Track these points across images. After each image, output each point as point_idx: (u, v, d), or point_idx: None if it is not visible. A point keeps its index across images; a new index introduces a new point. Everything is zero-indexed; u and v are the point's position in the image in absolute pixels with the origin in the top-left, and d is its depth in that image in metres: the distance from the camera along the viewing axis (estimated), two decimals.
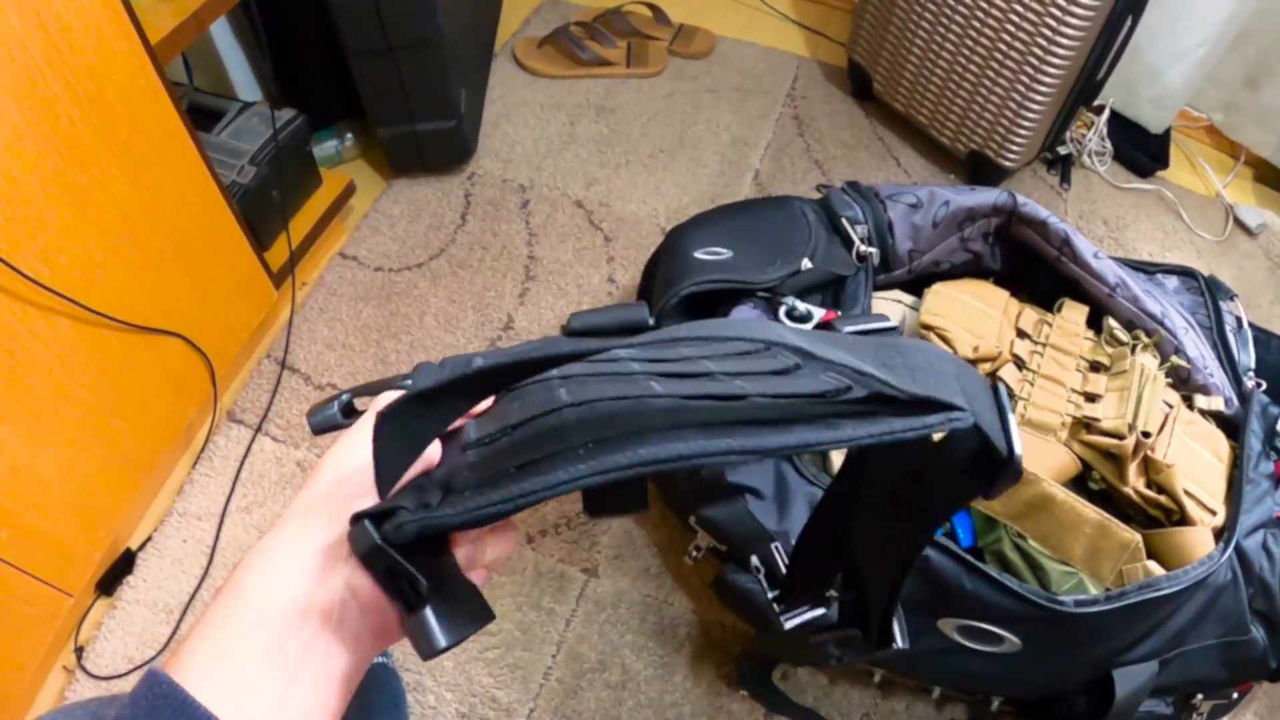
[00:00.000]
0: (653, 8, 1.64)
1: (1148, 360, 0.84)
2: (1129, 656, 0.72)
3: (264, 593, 0.27)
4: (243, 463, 1.04)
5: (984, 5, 1.22)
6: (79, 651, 0.90)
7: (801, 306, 0.82)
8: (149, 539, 0.97)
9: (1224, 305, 0.93)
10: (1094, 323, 0.90)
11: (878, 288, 0.93)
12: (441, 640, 0.26)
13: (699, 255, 0.86)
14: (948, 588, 0.68)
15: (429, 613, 0.26)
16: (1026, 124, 1.27)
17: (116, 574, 0.94)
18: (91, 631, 0.92)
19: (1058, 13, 1.15)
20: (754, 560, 0.68)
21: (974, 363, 0.83)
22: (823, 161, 1.45)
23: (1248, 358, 0.90)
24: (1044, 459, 0.80)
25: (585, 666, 0.92)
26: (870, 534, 0.40)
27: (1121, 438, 0.78)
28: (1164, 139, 1.48)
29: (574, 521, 1.02)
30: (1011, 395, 0.83)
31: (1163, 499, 0.77)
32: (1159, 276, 0.96)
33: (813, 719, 0.87)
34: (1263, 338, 0.94)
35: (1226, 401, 0.85)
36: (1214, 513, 0.76)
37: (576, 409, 0.25)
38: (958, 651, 0.72)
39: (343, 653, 0.29)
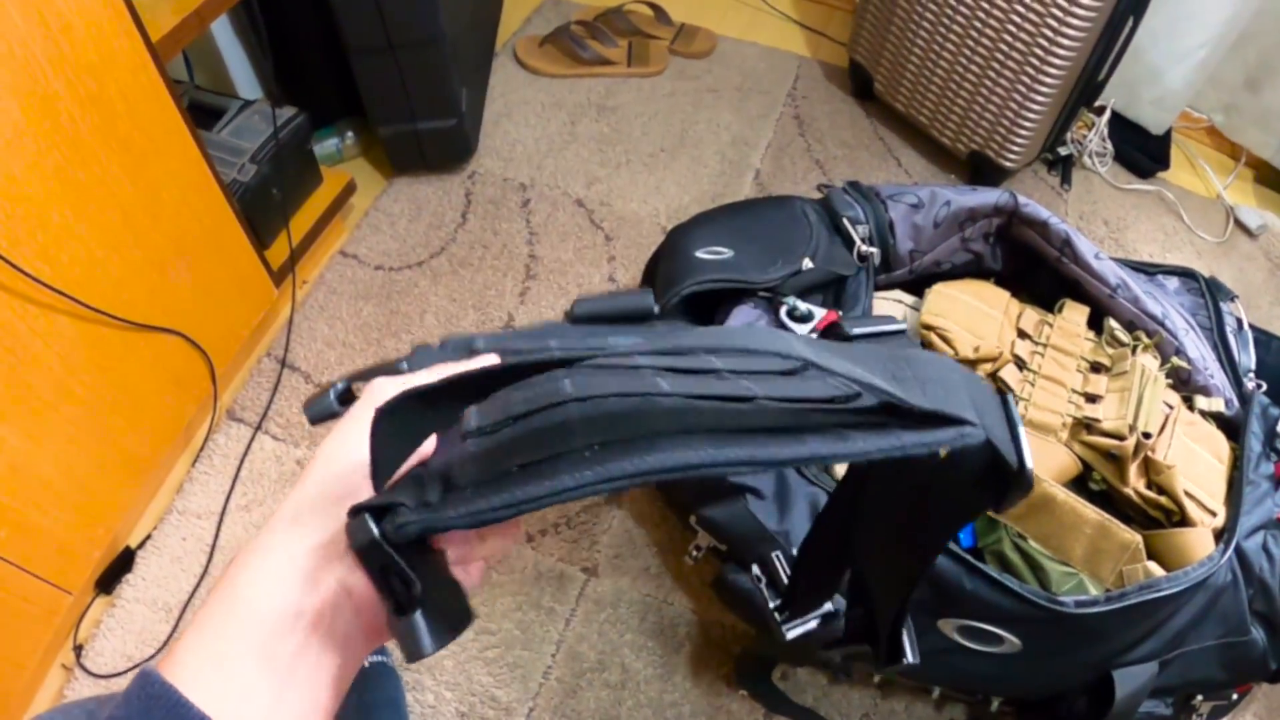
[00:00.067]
0: (654, 7, 1.64)
1: (1148, 361, 0.84)
2: (1129, 657, 0.72)
3: (257, 594, 0.27)
4: (242, 461, 1.03)
5: (985, 6, 1.22)
6: (78, 650, 0.90)
7: (802, 306, 0.82)
8: (148, 537, 0.97)
9: (1224, 306, 0.93)
10: (1095, 323, 0.90)
11: (879, 288, 0.93)
12: (430, 646, 0.26)
13: (700, 255, 0.86)
14: (948, 588, 0.68)
15: (419, 616, 0.26)
16: (1027, 124, 1.27)
17: (116, 572, 0.94)
18: (91, 630, 0.91)
19: (1059, 13, 1.15)
20: (755, 569, 0.68)
21: (974, 363, 0.83)
22: (823, 161, 1.45)
23: (1248, 359, 0.90)
24: (1044, 459, 0.80)
25: (585, 666, 0.92)
26: (876, 545, 0.39)
27: (1122, 438, 0.78)
28: (1165, 140, 1.48)
29: (574, 520, 1.02)
30: (1012, 395, 0.83)
31: (1163, 500, 0.77)
32: (1159, 277, 0.96)
33: (812, 719, 0.87)
34: (1263, 339, 0.94)
35: (1227, 403, 0.85)
36: (1214, 514, 0.77)
37: (582, 405, 0.25)
38: (958, 652, 0.72)
39: (335, 653, 0.29)
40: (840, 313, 0.85)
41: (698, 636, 0.94)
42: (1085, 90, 1.27)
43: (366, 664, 0.86)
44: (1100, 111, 1.45)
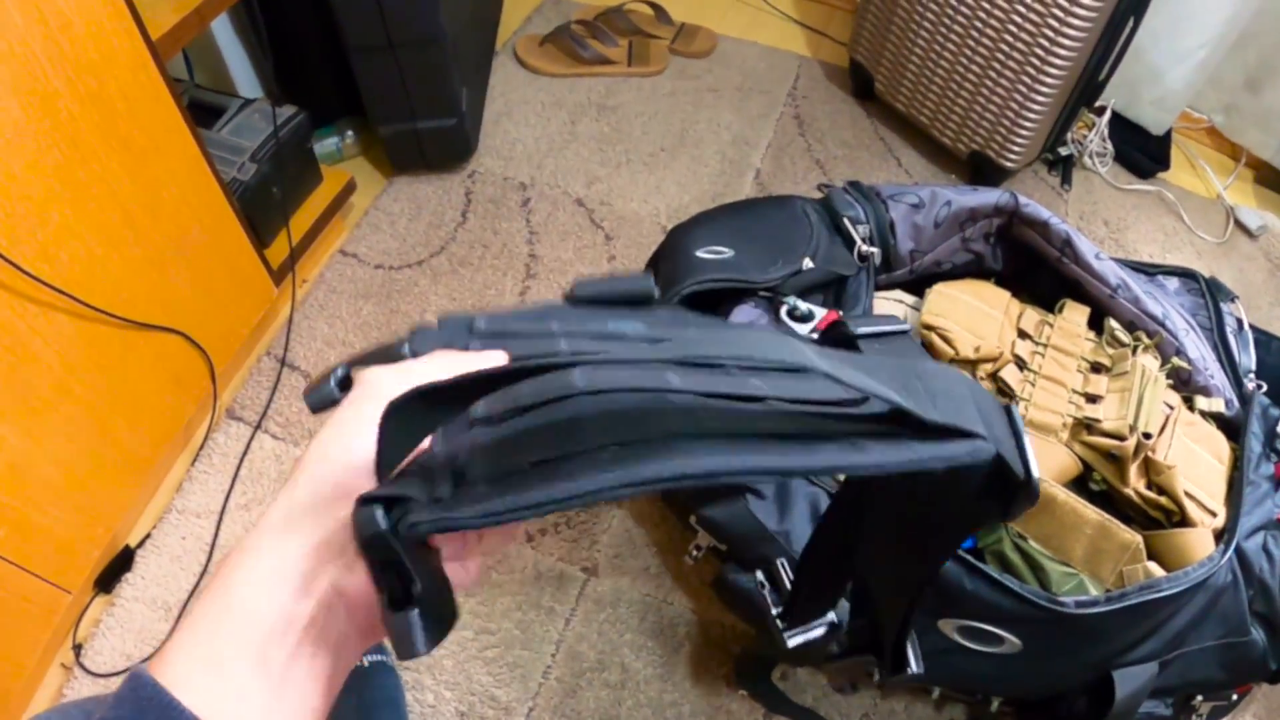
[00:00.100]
0: (654, 6, 1.64)
1: (1149, 361, 0.84)
2: (1129, 657, 0.72)
3: (251, 597, 0.27)
4: (242, 460, 1.03)
5: (986, 6, 1.22)
6: (77, 649, 0.90)
7: (803, 306, 0.82)
8: (148, 536, 0.97)
9: (1225, 307, 0.93)
10: (1095, 324, 0.90)
11: (879, 287, 0.93)
12: (424, 645, 0.26)
13: (700, 254, 0.85)
14: (948, 588, 0.68)
15: (415, 615, 0.26)
16: (1028, 125, 1.27)
17: (115, 571, 0.94)
18: (90, 629, 0.91)
19: (1060, 14, 1.15)
20: (759, 575, 0.68)
21: (975, 363, 0.83)
22: (824, 161, 1.44)
23: (1248, 359, 0.90)
24: (1045, 460, 0.80)
25: (584, 665, 0.92)
26: (879, 554, 0.39)
27: (1122, 439, 0.78)
28: (1165, 140, 1.48)
29: (574, 520, 1.01)
30: (1012, 396, 0.83)
31: (1163, 500, 0.77)
32: (1160, 278, 0.96)
33: (812, 719, 0.87)
34: (1263, 339, 0.94)
35: (1227, 403, 0.85)
36: (1214, 514, 0.77)
37: (594, 399, 0.24)
38: (958, 652, 0.72)
39: (328, 655, 0.28)
40: (841, 313, 0.85)
41: (697, 636, 0.94)
42: (1086, 90, 1.27)
43: (365, 663, 0.86)
44: (1100, 112, 1.45)
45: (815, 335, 0.64)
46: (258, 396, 1.09)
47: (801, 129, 1.49)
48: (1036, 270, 0.94)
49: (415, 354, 0.32)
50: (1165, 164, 1.48)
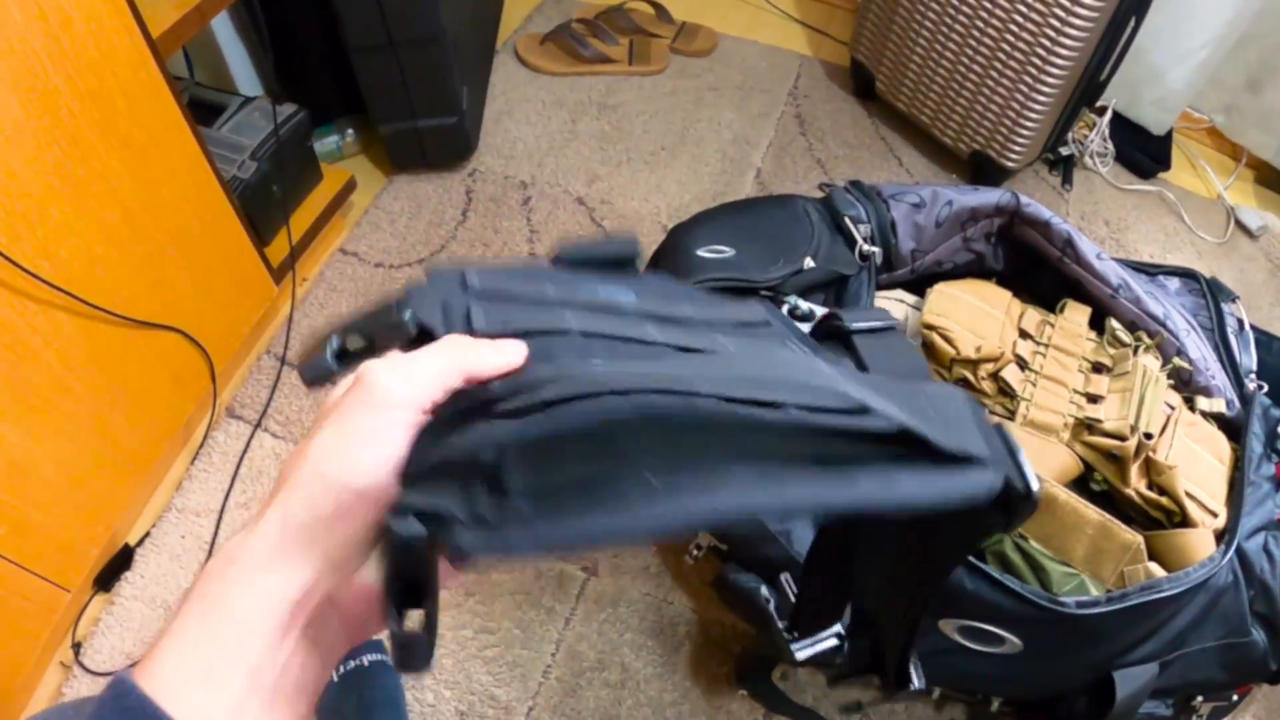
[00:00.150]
0: (655, 5, 1.64)
1: (1150, 362, 0.84)
2: (1130, 658, 0.72)
3: (246, 611, 0.26)
4: (242, 458, 1.03)
5: (988, 5, 1.22)
6: (76, 647, 0.90)
7: (804, 305, 0.81)
8: (147, 535, 0.97)
9: (1225, 307, 0.93)
10: (1096, 324, 0.90)
11: (880, 287, 0.93)
12: (430, 664, 0.26)
13: (701, 253, 0.85)
14: (949, 588, 0.68)
15: (423, 633, 0.25)
16: (1029, 124, 1.27)
17: (114, 570, 0.94)
18: (89, 627, 0.91)
19: (1061, 13, 1.15)
20: (764, 590, 0.67)
21: (976, 363, 0.83)
22: (825, 160, 1.44)
23: (1249, 360, 0.90)
24: (1046, 460, 0.80)
25: (584, 665, 0.91)
26: (879, 571, 0.39)
27: (1123, 439, 0.78)
28: (1166, 140, 1.48)
29: None
30: (1014, 395, 0.83)
31: (1164, 500, 0.77)
32: (1161, 278, 0.96)
33: (812, 719, 0.87)
34: (1264, 340, 0.94)
35: (1228, 403, 0.85)
36: (1215, 514, 0.76)
37: (624, 400, 0.24)
38: (958, 652, 0.72)
39: (318, 665, 0.28)
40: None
41: (698, 636, 0.94)
42: (1087, 90, 1.27)
43: (365, 662, 0.86)
44: (1101, 112, 1.45)
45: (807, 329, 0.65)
46: (258, 395, 1.09)
47: (802, 128, 1.49)
48: (1038, 270, 0.94)
49: (416, 321, 0.30)
50: (1166, 164, 1.48)
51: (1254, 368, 0.90)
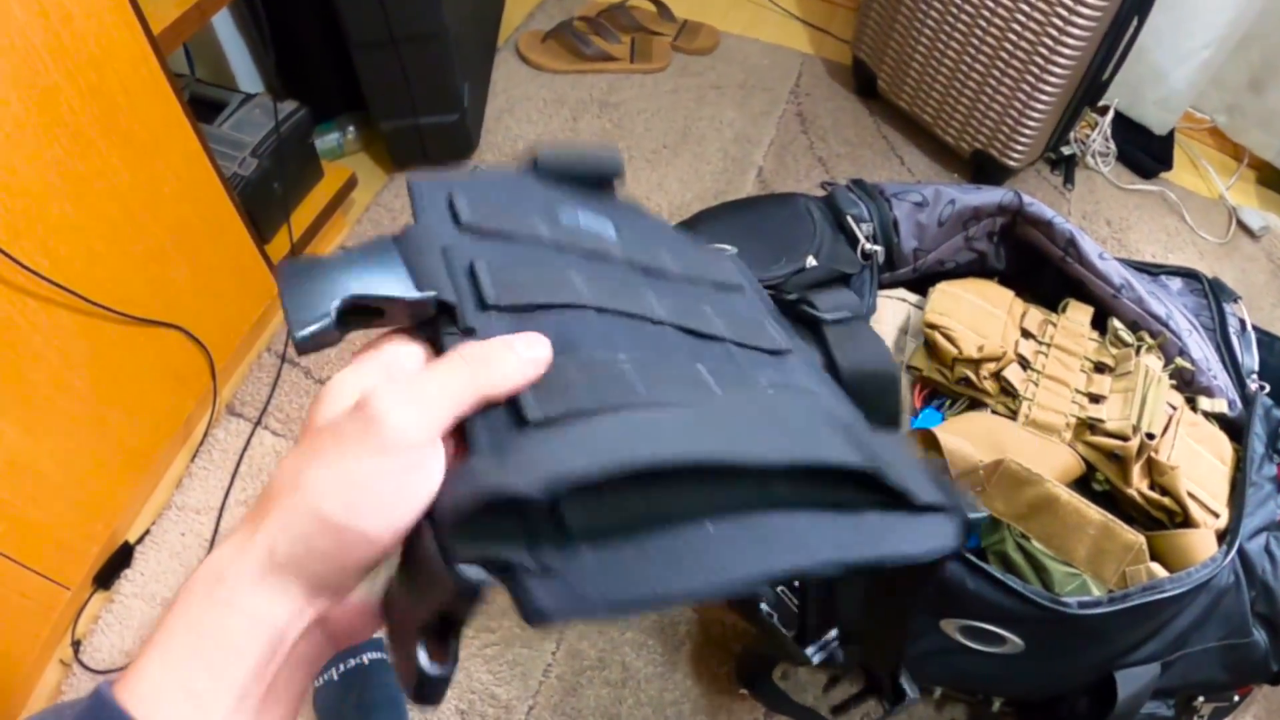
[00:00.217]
0: (657, 3, 1.64)
1: (1152, 362, 0.83)
2: (1131, 658, 0.72)
3: (234, 630, 0.24)
4: (242, 456, 1.03)
5: (990, 4, 1.22)
6: (76, 645, 0.90)
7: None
8: (147, 532, 0.97)
9: (1228, 307, 0.92)
10: (1098, 324, 0.90)
11: (882, 286, 0.93)
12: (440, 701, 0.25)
13: None
14: (950, 588, 0.68)
15: (448, 669, 0.24)
16: (1031, 124, 1.27)
17: (114, 567, 0.94)
18: (89, 625, 0.91)
19: (1064, 12, 1.15)
20: (764, 606, 0.67)
21: (979, 362, 0.83)
22: (826, 159, 1.44)
23: (1251, 360, 0.90)
24: (1048, 459, 0.80)
25: (585, 664, 0.91)
26: (857, 599, 0.40)
27: (1125, 439, 0.78)
28: (1167, 140, 1.48)
29: None
30: (1016, 395, 0.83)
31: (1166, 501, 0.77)
32: (1163, 278, 0.96)
33: (813, 718, 0.87)
34: (1266, 340, 0.94)
35: (1230, 404, 0.85)
36: (1217, 515, 0.76)
37: (658, 419, 0.24)
38: (960, 652, 0.72)
39: (302, 679, 0.27)
40: None
41: (698, 635, 0.94)
42: (1089, 90, 1.27)
43: (365, 660, 0.86)
44: (1104, 111, 1.45)
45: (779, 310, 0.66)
46: (258, 392, 1.09)
47: (804, 127, 1.49)
48: (1040, 270, 0.94)
49: (418, 280, 0.27)
50: (1168, 164, 1.48)
51: (1256, 368, 0.90)
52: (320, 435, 0.25)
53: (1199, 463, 0.79)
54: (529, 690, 0.89)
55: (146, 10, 0.80)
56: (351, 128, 1.37)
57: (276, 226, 1.14)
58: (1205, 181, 1.51)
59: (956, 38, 1.29)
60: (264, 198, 1.08)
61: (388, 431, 0.23)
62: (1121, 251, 1.37)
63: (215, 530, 0.97)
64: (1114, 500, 0.81)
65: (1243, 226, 1.42)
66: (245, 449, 1.04)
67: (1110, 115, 1.45)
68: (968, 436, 0.77)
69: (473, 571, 0.21)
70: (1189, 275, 0.96)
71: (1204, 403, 0.85)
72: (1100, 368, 0.85)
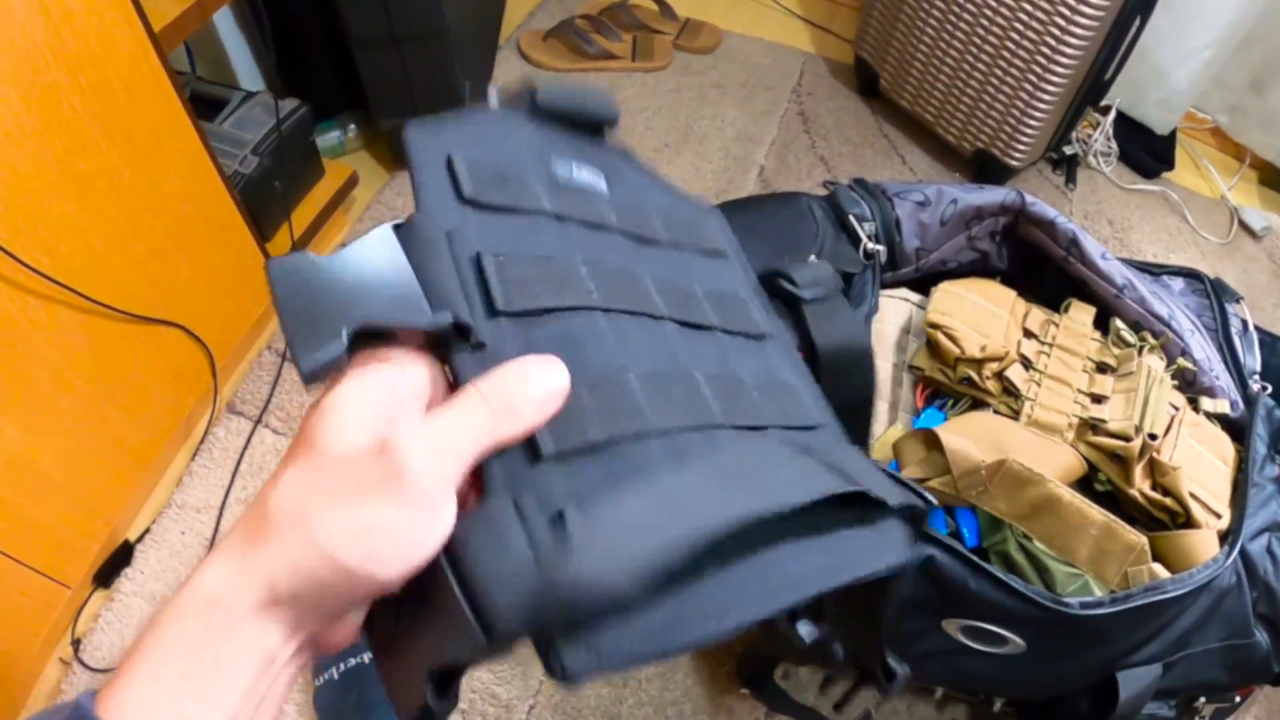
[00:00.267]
0: (659, 2, 1.63)
1: (1154, 362, 0.83)
2: (1133, 659, 0.72)
3: (227, 656, 0.24)
4: (242, 455, 1.03)
5: (992, 3, 1.22)
6: (76, 644, 0.89)
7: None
8: (147, 531, 0.97)
9: (1229, 308, 0.92)
10: (1101, 324, 0.89)
11: (885, 285, 0.93)
12: None
13: None
14: (952, 588, 0.68)
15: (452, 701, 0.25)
16: (1033, 123, 1.27)
17: (114, 566, 0.94)
18: (89, 623, 0.91)
19: (1067, 12, 1.15)
20: None
21: (981, 362, 0.83)
22: (828, 158, 1.44)
23: (1253, 361, 0.90)
24: (1050, 460, 0.80)
25: None
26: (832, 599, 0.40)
27: (1128, 439, 0.78)
28: (1169, 140, 1.48)
29: None
30: (1018, 395, 0.83)
31: (1168, 501, 0.77)
32: (1165, 278, 0.96)
33: (814, 718, 0.87)
34: (1268, 340, 0.94)
35: (1232, 404, 0.84)
36: (1219, 516, 0.76)
37: (669, 449, 0.26)
38: (961, 652, 0.72)
39: (287, 687, 0.27)
40: None
41: None
42: (1091, 89, 1.26)
43: (365, 659, 0.86)
44: (1106, 111, 1.45)
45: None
46: (259, 391, 1.09)
47: (806, 126, 1.49)
48: (1042, 269, 0.94)
49: (427, 288, 0.26)
50: (1170, 164, 1.48)
51: (1258, 369, 0.89)
52: (334, 471, 0.24)
53: (1201, 463, 0.79)
54: (529, 689, 0.89)
55: (147, 8, 0.80)
56: (353, 126, 1.36)
57: (277, 224, 1.13)
58: (1207, 182, 1.51)
59: (959, 37, 1.28)
60: (265, 196, 1.08)
61: (412, 483, 0.23)
62: (1123, 251, 1.37)
63: (215, 529, 0.97)
64: (1116, 501, 0.81)
65: (1244, 227, 1.42)
66: (246, 447, 1.04)
67: (1112, 115, 1.45)
68: (970, 436, 0.77)
69: (508, 641, 0.22)
70: (1191, 275, 0.96)
71: (1206, 403, 0.84)
72: (1102, 368, 0.85)
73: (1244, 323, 0.93)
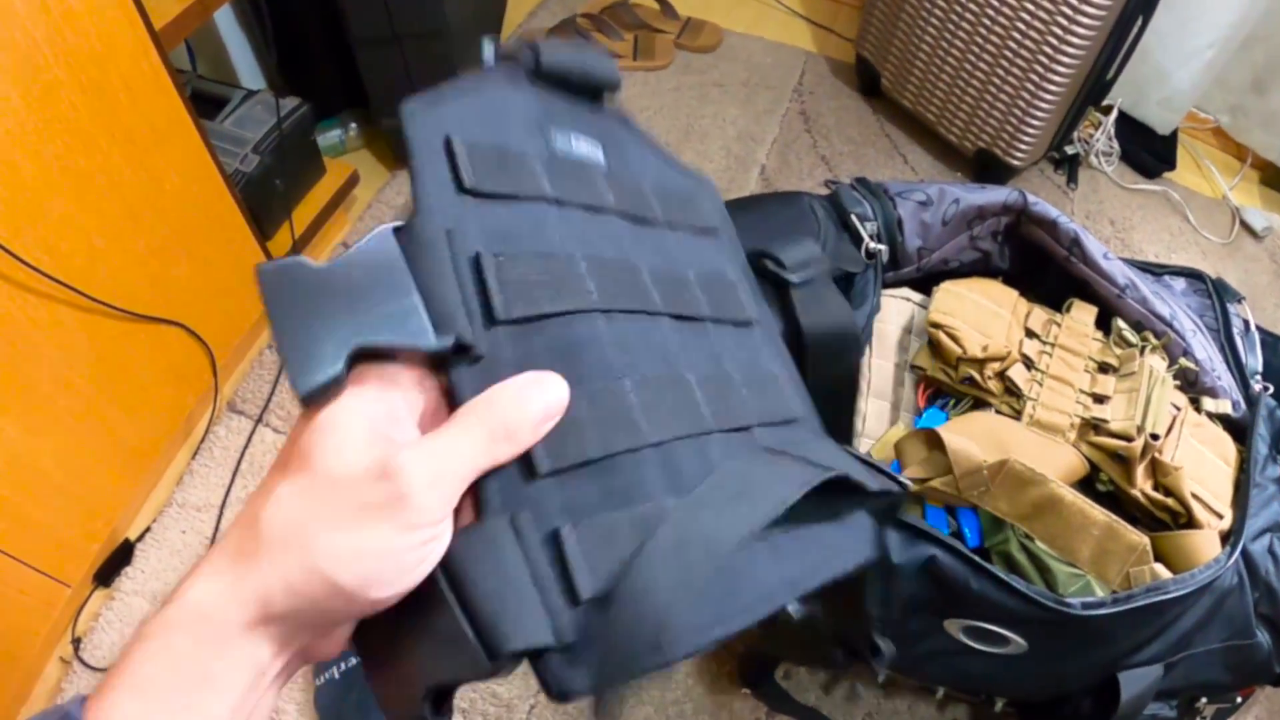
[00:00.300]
0: (660, 0, 1.63)
1: (1156, 362, 0.83)
2: (1135, 659, 0.72)
3: (219, 671, 0.24)
4: (243, 454, 1.03)
5: (995, 3, 1.22)
6: (76, 643, 0.89)
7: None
8: (148, 530, 0.97)
9: (1231, 308, 0.92)
10: (1102, 324, 0.89)
11: (886, 285, 0.93)
12: None
13: None
14: (954, 588, 0.68)
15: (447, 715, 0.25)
16: (1035, 123, 1.27)
17: (115, 565, 0.93)
18: (89, 623, 0.91)
19: (1069, 12, 1.14)
20: None
21: (983, 362, 0.83)
22: (829, 158, 1.44)
23: (1255, 361, 0.90)
24: (1052, 460, 0.80)
25: None
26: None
27: (1130, 439, 0.77)
28: (1171, 140, 1.48)
29: None
30: (1020, 395, 0.82)
31: (1170, 501, 0.76)
32: (1166, 278, 0.96)
33: (815, 718, 0.86)
34: (1270, 341, 0.94)
35: (1234, 405, 0.84)
36: (1221, 516, 0.76)
37: (661, 461, 0.27)
38: (963, 653, 0.72)
39: (276, 695, 0.27)
40: None
41: None
42: (1093, 89, 1.26)
43: None
44: (1107, 111, 1.45)
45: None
46: (259, 390, 1.09)
47: (807, 125, 1.49)
48: (1044, 269, 0.94)
49: (428, 301, 0.25)
50: (1171, 164, 1.48)
51: (1259, 369, 0.89)
52: (333, 492, 0.24)
53: (1203, 464, 0.78)
54: (530, 689, 0.89)
55: (148, 6, 0.79)
56: (354, 124, 1.36)
57: (278, 223, 1.13)
58: (1208, 182, 1.50)
59: (961, 36, 1.28)
60: (266, 194, 1.08)
61: (414, 510, 0.23)
62: (1125, 251, 1.37)
63: (216, 528, 0.97)
64: (1118, 501, 0.81)
65: (1246, 227, 1.42)
66: (246, 446, 1.03)
67: (1114, 115, 1.45)
68: (972, 436, 0.77)
69: (509, 662, 0.23)
70: (1193, 275, 0.96)
71: (1208, 403, 0.84)
72: (1104, 368, 0.85)
73: (1245, 323, 0.93)
